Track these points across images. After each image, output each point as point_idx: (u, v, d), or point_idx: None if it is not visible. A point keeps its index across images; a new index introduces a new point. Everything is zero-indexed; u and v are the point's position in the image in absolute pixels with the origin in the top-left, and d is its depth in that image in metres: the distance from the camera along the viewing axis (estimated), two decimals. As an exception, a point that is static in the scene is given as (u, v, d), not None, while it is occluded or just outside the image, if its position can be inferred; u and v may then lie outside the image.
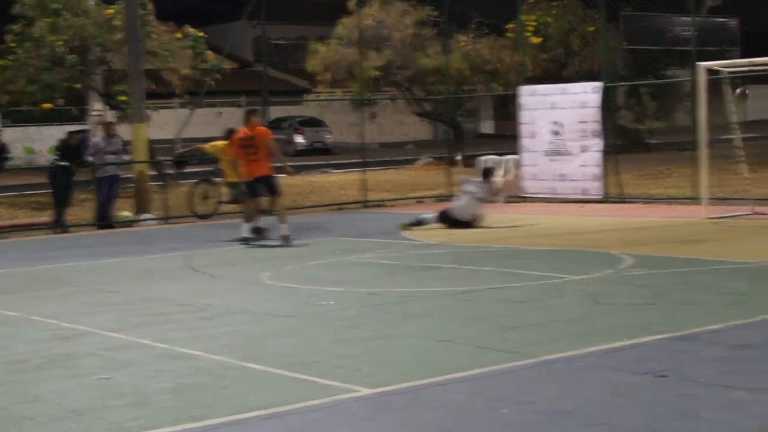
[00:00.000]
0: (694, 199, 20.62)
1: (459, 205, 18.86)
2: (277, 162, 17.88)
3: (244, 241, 17.34)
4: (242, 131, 17.63)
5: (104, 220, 21.75)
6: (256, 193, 17.76)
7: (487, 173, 19.51)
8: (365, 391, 7.50)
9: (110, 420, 7.08)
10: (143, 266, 15.61)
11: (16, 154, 35.22)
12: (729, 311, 9.88)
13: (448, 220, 18.62)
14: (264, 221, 17.95)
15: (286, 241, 17.06)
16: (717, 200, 19.94)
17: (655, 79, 39.22)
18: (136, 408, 7.36)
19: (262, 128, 17.75)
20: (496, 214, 19.38)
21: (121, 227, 21.93)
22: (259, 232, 17.64)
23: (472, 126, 59.14)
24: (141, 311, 11.41)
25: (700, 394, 7.11)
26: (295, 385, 7.84)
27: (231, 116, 50.98)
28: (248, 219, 17.59)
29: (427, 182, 29.21)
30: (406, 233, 18.09)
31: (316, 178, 33.23)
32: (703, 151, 18.75)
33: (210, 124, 52.21)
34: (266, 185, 17.54)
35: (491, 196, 19.27)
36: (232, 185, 20.32)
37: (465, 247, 15.96)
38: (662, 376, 7.56)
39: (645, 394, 7.18)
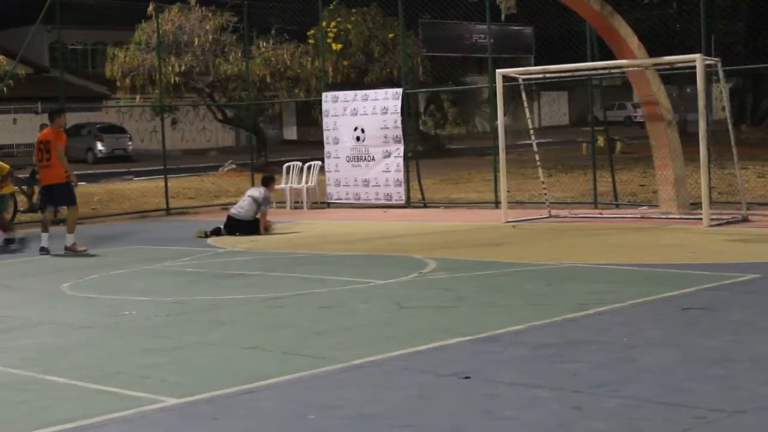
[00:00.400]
0: (494, 203, 21.12)
1: (240, 207, 18.79)
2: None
3: (43, 251, 16.83)
4: (41, 134, 17.18)
5: None
6: (51, 201, 17.28)
7: (267, 181, 19.46)
8: (171, 401, 7.41)
9: None
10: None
11: None
12: (529, 312, 10.15)
13: (231, 223, 18.60)
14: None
15: (71, 252, 16.64)
16: (516, 204, 20.46)
17: (455, 86, 40.00)
18: (-70, 426, 7.10)
19: (57, 131, 17.15)
20: (282, 222, 19.39)
21: None
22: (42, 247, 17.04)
23: (274, 132, 59.13)
24: (-66, 326, 10.98)
25: (503, 394, 7.28)
26: (100, 397, 7.68)
27: (26, 123, 49.64)
28: (45, 228, 17.10)
29: (231, 189, 29.05)
30: (210, 240, 17.95)
31: (117, 186, 32.66)
32: (502, 156, 19.19)
33: (4, 130, 50.75)
34: (60, 193, 17.04)
35: (268, 203, 19.12)
36: None
37: (270, 254, 15.94)
38: (466, 377, 7.71)
39: (450, 395, 7.31)
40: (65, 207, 17.37)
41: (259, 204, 18.57)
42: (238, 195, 24.70)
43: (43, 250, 16.78)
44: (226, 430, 6.79)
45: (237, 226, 18.48)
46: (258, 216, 18.51)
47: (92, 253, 16.73)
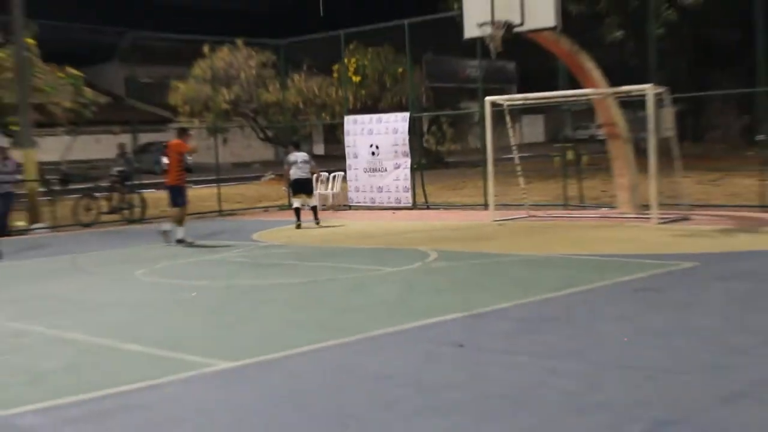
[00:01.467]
0: (484, 206, 21.11)
1: (302, 170, 19.37)
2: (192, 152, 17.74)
3: (179, 242, 16.98)
4: (170, 144, 17.77)
5: (1, 230, 20.87)
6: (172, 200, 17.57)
7: (300, 146, 20.57)
8: (225, 365, 7.46)
9: (5, 394, 6.87)
10: (34, 267, 15.06)
11: None
12: (513, 292, 10.17)
13: (300, 185, 19.34)
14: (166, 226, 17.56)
15: (167, 240, 17.11)
16: (501, 206, 20.43)
17: (452, 110, 39.97)
18: (29, 385, 7.15)
19: (175, 141, 17.57)
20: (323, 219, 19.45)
21: (17, 235, 21.11)
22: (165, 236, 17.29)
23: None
24: (32, 305, 11.03)
25: (491, 359, 7.31)
26: (167, 361, 7.73)
27: (107, 142, 49.69)
28: (179, 222, 17.25)
29: (271, 194, 29.13)
30: (255, 236, 17.96)
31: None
32: (490, 168, 19.19)
33: (89, 149, 50.87)
34: (171, 194, 17.49)
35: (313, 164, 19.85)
36: None
37: (303, 247, 15.98)
38: (461, 345, 7.74)
39: (447, 359, 7.35)
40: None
41: (309, 162, 19.61)
42: (277, 199, 24.81)
43: (180, 242, 16.89)
44: (270, 386, 6.84)
45: (305, 184, 19.43)
46: (313, 171, 19.79)
47: (164, 246, 16.83)
